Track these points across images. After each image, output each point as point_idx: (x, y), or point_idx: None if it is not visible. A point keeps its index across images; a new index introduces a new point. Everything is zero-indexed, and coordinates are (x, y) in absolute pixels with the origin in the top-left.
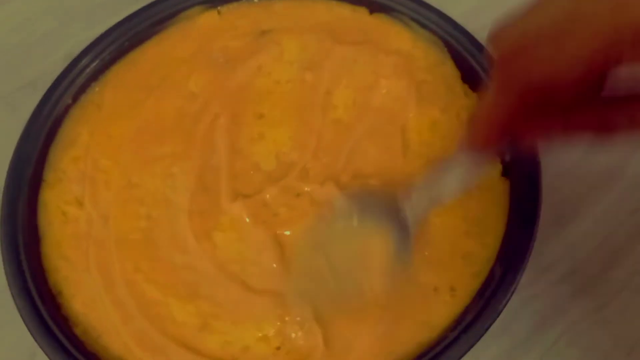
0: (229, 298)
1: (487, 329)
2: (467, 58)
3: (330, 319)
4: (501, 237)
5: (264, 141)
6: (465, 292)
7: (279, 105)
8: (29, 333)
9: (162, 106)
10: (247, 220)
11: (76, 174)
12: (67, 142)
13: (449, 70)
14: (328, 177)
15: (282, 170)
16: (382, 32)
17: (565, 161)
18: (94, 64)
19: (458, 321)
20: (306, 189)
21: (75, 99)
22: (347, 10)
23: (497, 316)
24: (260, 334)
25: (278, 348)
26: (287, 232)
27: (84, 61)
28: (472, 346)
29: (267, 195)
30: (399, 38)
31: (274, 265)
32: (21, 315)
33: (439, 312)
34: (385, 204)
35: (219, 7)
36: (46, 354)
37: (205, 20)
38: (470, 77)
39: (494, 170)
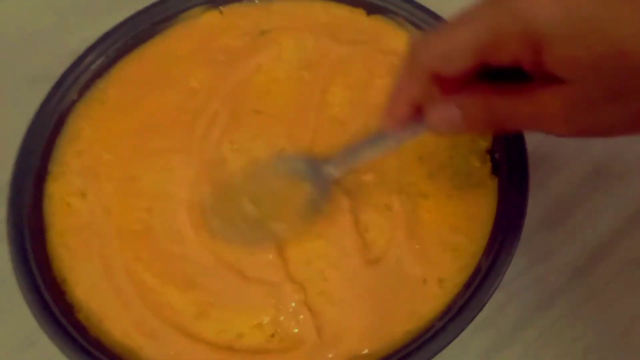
0: (225, 287)
1: (472, 320)
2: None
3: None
4: (489, 232)
5: (261, 137)
6: (453, 284)
7: (276, 102)
8: (29, 319)
9: (164, 102)
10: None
11: (80, 167)
12: (71, 136)
13: None
14: None
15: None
16: (378, 33)
17: (555, 159)
18: (99, 61)
19: (445, 312)
20: None
21: (80, 94)
22: (345, 11)
23: (483, 307)
24: (254, 322)
25: (272, 335)
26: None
27: (89, 58)
28: (457, 335)
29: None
30: (395, 39)
31: (270, 256)
32: (27, 302)
33: (427, 302)
34: (308, 164)
35: (220, 7)
36: (51, 340)
37: (208, 19)
38: None
39: (485, 166)
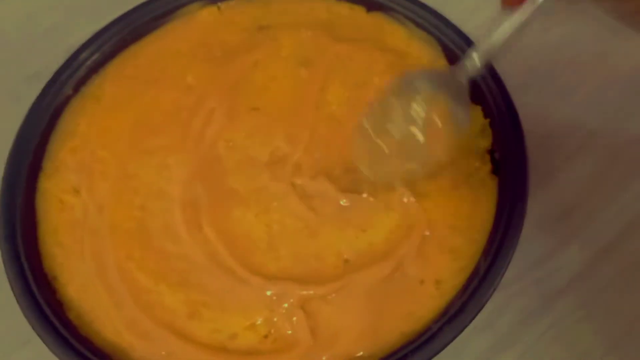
0: (218, 287)
1: (469, 322)
2: (459, 57)
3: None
4: (488, 233)
5: (258, 135)
6: (450, 285)
7: (274, 100)
8: (24, 318)
9: (160, 99)
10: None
11: (74, 164)
12: (66, 132)
13: (442, 68)
14: (320, 171)
15: (276, 164)
16: (378, 30)
17: (556, 160)
18: (95, 57)
19: (442, 313)
20: (298, 182)
21: (75, 90)
22: (344, 9)
23: (480, 310)
24: (248, 323)
25: (265, 336)
26: (278, 225)
27: (85, 54)
28: (454, 338)
29: (260, 188)
30: (395, 37)
31: (264, 255)
32: (17, 299)
33: (425, 304)
34: (439, 78)
35: (219, 3)
36: (40, 338)
37: (205, 15)
38: None
39: (485, 167)
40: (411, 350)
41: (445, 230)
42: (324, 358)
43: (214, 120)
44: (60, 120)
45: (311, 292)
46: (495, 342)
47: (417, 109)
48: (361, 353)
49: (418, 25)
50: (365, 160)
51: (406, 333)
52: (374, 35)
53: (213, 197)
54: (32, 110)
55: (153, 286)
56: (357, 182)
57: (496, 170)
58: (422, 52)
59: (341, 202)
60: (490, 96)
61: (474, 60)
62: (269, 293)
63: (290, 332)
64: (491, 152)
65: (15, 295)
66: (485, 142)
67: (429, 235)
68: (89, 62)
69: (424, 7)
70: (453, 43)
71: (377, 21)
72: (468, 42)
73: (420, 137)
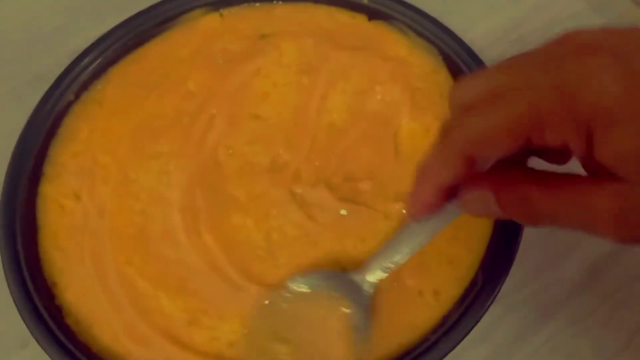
0: (217, 293)
1: (467, 333)
2: (461, 67)
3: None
4: (486, 243)
5: (258, 142)
6: (448, 296)
7: (275, 107)
8: (22, 322)
9: (161, 105)
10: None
11: (75, 169)
12: (67, 137)
13: (444, 78)
14: (320, 179)
15: (276, 171)
16: (379, 38)
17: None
18: (97, 62)
19: (440, 324)
20: (298, 190)
21: (77, 95)
22: (346, 17)
23: (478, 321)
24: (246, 330)
25: None
26: (277, 232)
27: (88, 59)
28: (452, 349)
29: (259, 195)
30: (396, 45)
31: (263, 263)
32: (15, 304)
33: (422, 314)
34: (341, 283)
35: (221, 10)
36: (38, 343)
37: (208, 22)
38: None
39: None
40: None
41: (444, 241)
42: None
43: (215, 127)
44: (62, 125)
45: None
46: (492, 354)
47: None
48: None
49: (419, 34)
50: None
51: (404, 344)
52: (376, 44)
53: (212, 204)
54: (34, 114)
55: (152, 292)
56: (357, 192)
57: None
58: (423, 61)
59: (341, 212)
60: None
61: (376, 274)
62: (267, 302)
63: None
64: None
65: (14, 299)
66: None
67: (427, 245)
68: (91, 67)
69: (426, 16)
70: (454, 52)
71: (378, 30)
72: (469, 52)
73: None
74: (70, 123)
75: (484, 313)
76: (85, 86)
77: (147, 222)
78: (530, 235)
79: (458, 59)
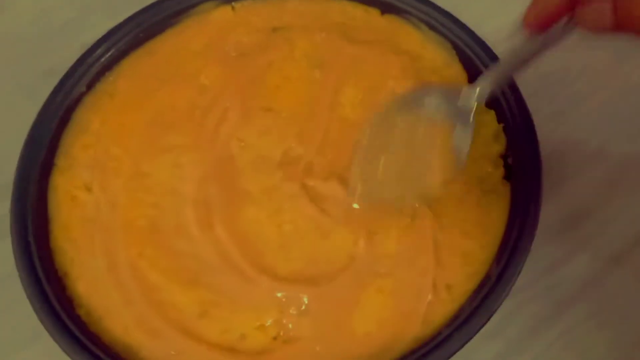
0: (229, 286)
1: (480, 328)
2: (474, 61)
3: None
4: (500, 239)
5: (271, 135)
6: (461, 290)
7: (287, 101)
8: (34, 315)
9: (174, 97)
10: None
11: (87, 161)
12: (79, 129)
13: (456, 72)
14: (332, 173)
15: (288, 164)
16: (392, 33)
17: (569, 166)
18: (109, 54)
19: (453, 319)
20: (310, 183)
21: (89, 87)
22: (359, 11)
23: (491, 316)
24: (258, 323)
25: (275, 338)
26: (289, 226)
27: (99, 51)
28: (464, 344)
29: (272, 188)
30: (409, 39)
31: (275, 256)
32: (27, 295)
33: (435, 309)
34: (444, 98)
35: (233, 3)
36: (50, 334)
37: (220, 14)
38: None
39: (497, 172)
40: (421, 355)
41: (457, 235)
42: None
43: (228, 120)
44: (73, 117)
45: (321, 294)
46: (505, 349)
47: (419, 127)
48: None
49: (433, 28)
50: (361, 180)
51: (416, 338)
52: (388, 38)
53: (225, 197)
54: (46, 106)
55: (164, 284)
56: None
57: (509, 175)
58: (436, 55)
59: (353, 205)
60: (504, 100)
61: (487, 85)
62: (279, 295)
63: (299, 334)
64: (504, 157)
65: (25, 290)
66: (499, 147)
67: (441, 240)
68: (103, 59)
69: (439, 10)
70: (467, 47)
71: (391, 24)
72: (482, 46)
73: (420, 158)
74: (81, 115)
75: (497, 308)
76: (96, 78)
77: (159, 215)
78: (544, 230)
79: (472, 53)
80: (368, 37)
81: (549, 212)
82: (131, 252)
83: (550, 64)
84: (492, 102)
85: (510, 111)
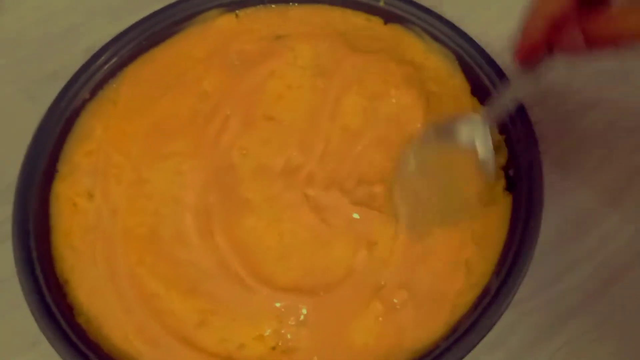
0: (229, 295)
1: (480, 340)
2: (477, 72)
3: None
4: (500, 251)
5: (272, 144)
6: (462, 302)
7: (289, 109)
8: (33, 320)
9: (176, 105)
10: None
11: (88, 167)
12: (81, 135)
13: (459, 83)
14: (333, 182)
15: (289, 173)
16: (395, 42)
17: (571, 178)
18: (113, 61)
19: (452, 331)
20: (311, 192)
21: (92, 94)
22: (362, 20)
23: (491, 329)
24: (256, 333)
25: (273, 348)
26: (289, 235)
27: (103, 58)
28: (464, 356)
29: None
30: (412, 49)
31: (275, 265)
32: (27, 302)
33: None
34: (463, 126)
35: (237, 11)
36: (50, 342)
37: (223, 22)
38: (480, 91)
39: (498, 183)
40: None
41: (458, 248)
42: None
43: (229, 128)
44: (76, 123)
45: (320, 305)
46: None
47: (450, 155)
48: None
49: (436, 38)
50: (407, 212)
51: (415, 350)
52: (391, 47)
53: (226, 205)
54: (49, 112)
55: (163, 292)
56: (370, 195)
57: (510, 187)
58: (439, 66)
59: (353, 215)
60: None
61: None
62: (278, 304)
63: (298, 344)
64: (506, 168)
65: (26, 297)
66: (500, 159)
67: (441, 250)
68: (106, 66)
69: (443, 20)
70: (471, 57)
71: (394, 33)
72: (485, 56)
73: (456, 182)
74: (84, 121)
75: (497, 320)
76: (100, 85)
77: (159, 222)
78: (546, 242)
79: (474, 63)
80: (371, 46)
81: (551, 224)
82: (131, 259)
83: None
84: None
85: (512, 123)
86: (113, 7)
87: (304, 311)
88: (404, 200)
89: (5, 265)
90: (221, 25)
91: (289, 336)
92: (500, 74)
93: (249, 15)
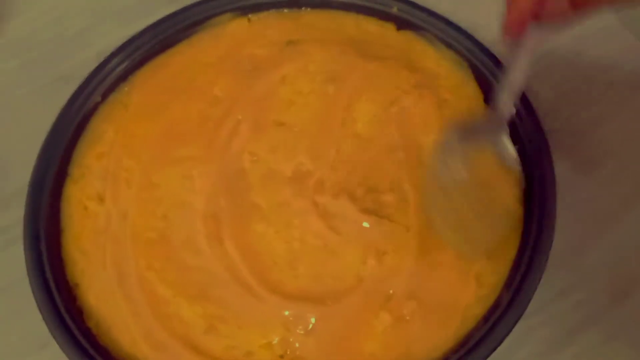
0: (237, 302)
1: (490, 354)
2: (490, 80)
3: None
4: (511, 263)
5: (282, 150)
6: (471, 314)
7: (300, 115)
8: (42, 323)
9: (187, 109)
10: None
11: (99, 171)
12: (93, 139)
13: (472, 91)
14: (342, 190)
15: (299, 180)
16: (407, 49)
17: (584, 190)
18: (124, 65)
19: (462, 344)
20: (320, 200)
21: (104, 97)
22: (374, 26)
23: (501, 342)
24: (264, 341)
25: (281, 356)
26: (298, 242)
27: (115, 61)
28: None
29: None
30: (424, 56)
31: (283, 272)
32: (37, 304)
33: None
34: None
35: (249, 15)
36: (59, 345)
37: (235, 27)
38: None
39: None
40: None
41: (468, 260)
42: None
43: (240, 133)
44: (88, 126)
45: (328, 314)
46: None
47: (476, 159)
48: None
49: (449, 46)
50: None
51: None
52: (403, 54)
53: (235, 211)
54: (61, 116)
55: (171, 297)
56: (380, 204)
57: (522, 198)
58: (451, 74)
59: (363, 224)
60: (519, 121)
61: (506, 103)
62: (286, 313)
63: (306, 353)
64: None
65: (36, 300)
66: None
67: (450, 262)
68: (118, 70)
69: (456, 27)
70: (483, 65)
71: (407, 40)
72: (498, 64)
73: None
74: (96, 124)
75: (507, 333)
76: (111, 88)
77: (169, 227)
78: (557, 255)
79: (487, 71)
80: (383, 53)
81: (563, 236)
82: (140, 264)
83: (567, 83)
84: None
85: (525, 132)
86: (125, 10)
87: (312, 320)
88: (435, 208)
89: (16, 267)
90: (233, 30)
91: (296, 345)
92: None
93: (261, 20)
